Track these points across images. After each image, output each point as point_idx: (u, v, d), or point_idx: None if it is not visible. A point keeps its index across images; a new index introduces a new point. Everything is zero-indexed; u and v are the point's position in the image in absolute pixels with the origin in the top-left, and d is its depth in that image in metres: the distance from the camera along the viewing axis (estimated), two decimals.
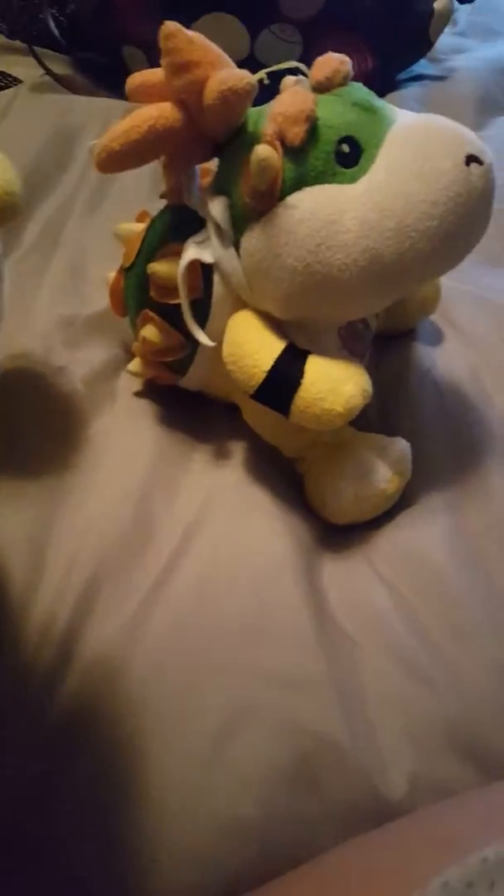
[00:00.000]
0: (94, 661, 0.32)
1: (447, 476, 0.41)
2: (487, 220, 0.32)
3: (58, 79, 0.75)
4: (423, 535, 0.38)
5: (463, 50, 0.87)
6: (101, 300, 0.46)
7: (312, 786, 0.30)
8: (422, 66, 0.81)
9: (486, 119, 0.70)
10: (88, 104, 0.69)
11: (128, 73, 0.36)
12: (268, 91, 0.36)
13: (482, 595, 0.35)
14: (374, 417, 0.44)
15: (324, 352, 0.36)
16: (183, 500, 0.39)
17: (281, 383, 0.34)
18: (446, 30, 0.78)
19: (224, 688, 0.31)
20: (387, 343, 0.48)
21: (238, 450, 0.42)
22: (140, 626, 0.33)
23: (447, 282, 0.49)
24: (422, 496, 0.40)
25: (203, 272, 0.37)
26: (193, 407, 0.43)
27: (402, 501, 0.40)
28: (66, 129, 0.64)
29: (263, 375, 0.34)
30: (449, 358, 0.47)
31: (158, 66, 0.33)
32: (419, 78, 0.79)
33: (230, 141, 0.34)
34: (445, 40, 0.84)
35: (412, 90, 0.77)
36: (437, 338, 0.48)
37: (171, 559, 0.36)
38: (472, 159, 0.31)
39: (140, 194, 0.56)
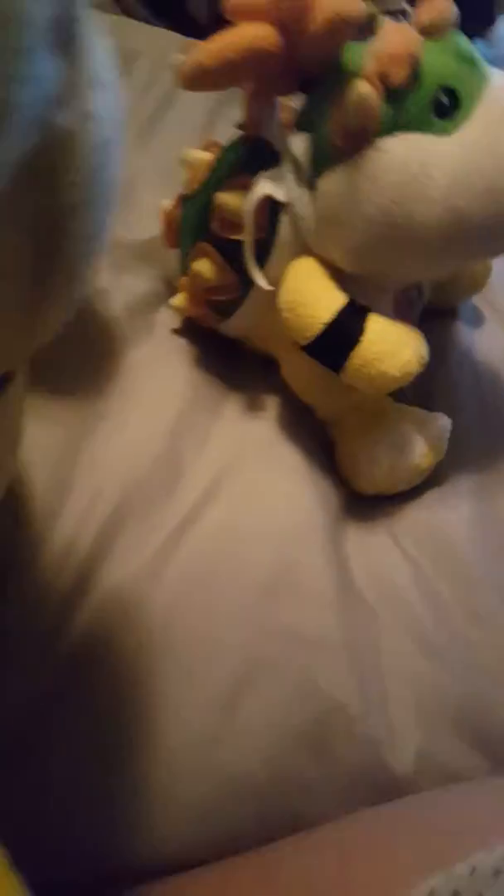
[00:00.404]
0: (113, 594, 0.31)
1: (477, 460, 0.40)
2: None
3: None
4: (449, 516, 0.37)
5: None
6: (148, 228, 0.44)
7: (321, 749, 0.29)
8: (477, 46, 0.78)
9: None
10: (146, 31, 0.66)
11: (184, 10, 0.34)
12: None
13: (502, 582, 0.35)
14: (410, 392, 0.43)
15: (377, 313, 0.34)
16: (213, 446, 0.37)
17: (339, 338, 0.33)
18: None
19: (245, 638, 0.31)
20: (427, 319, 0.46)
21: (271, 405, 0.40)
22: (163, 565, 0.32)
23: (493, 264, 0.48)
24: (450, 476, 0.39)
25: (272, 213, 0.35)
26: (229, 355, 0.42)
27: (428, 479, 0.39)
28: (122, 52, 0.61)
29: (321, 327, 0.33)
30: (488, 342, 0.46)
31: (220, 8, 0.31)
32: None
33: (322, 75, 0.32)
34: (500, 27, 0.81)
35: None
36: (477, 320, 0.47)
37: (199, 502, 0.35)
38: None
39: (196, 127, 0.53)
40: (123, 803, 0.28)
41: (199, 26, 0.77)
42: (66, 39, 0.16)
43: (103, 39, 0.19)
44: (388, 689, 0.31)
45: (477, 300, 0.49)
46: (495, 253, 0.34)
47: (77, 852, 0.28)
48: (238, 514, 0.35)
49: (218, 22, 0.33)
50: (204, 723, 0.29)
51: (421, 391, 0.44)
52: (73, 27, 0.16)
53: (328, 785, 0.29)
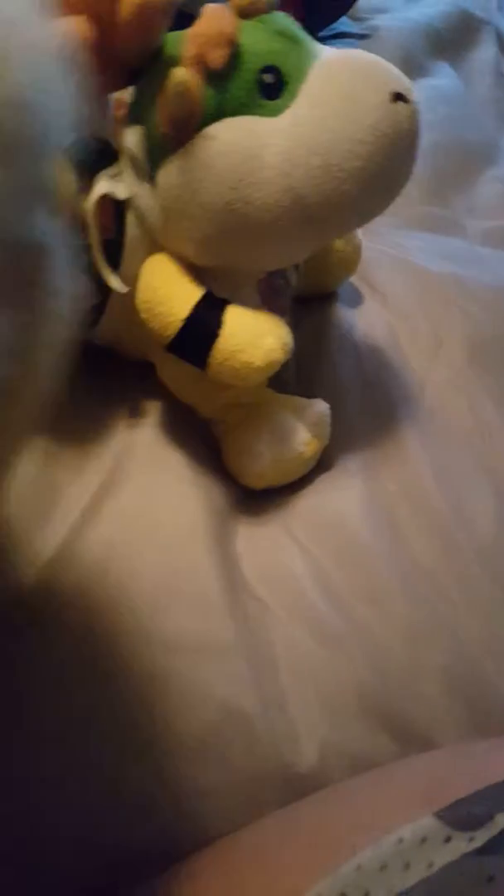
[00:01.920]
0: None
1: (364, 439, 0.40)
2: (413, 162, 0.31)
3: None
4: (338, 499, 0.37)
5: (386, 10, 0.86)
6: None
7: (219, 757, 0.28)
8: (343, 24, 0.79)
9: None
10: None
11: None
12: (189, 20, 0.34)
13: (395, 558, 0.35)
14: (292, 379, 0.43)
15: (243, 306, 0.34)
16: (91, 463, 0.36)
17: (198, 333, 0.32)
18: None
19: (131, 655, 0.29)
20: (306, 304, 0.46)
21: (152, 410, 0.39)
22: (43, 594, 0.30)
23: (367, 243, 0.48)
24: (339, 459, 0.39)
25: (116, 212, 0.34)
26: (104, 363, 0.41)
27: (320, 464, 0.38)
28: None
29: (180, 324, 0.32)
30: (368, 320, 0.46)
31: None
32: (341, 36, 0.77)
33: (147, 67, 0.31)
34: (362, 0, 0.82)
35: (333, 48, 0.74)
36: (356, 300, 0.47)
37: (77, 525, 0.33)
38: (398, 97, 0.29)
39: None
40: (14, 853, 0.26)
41: None
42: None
43: None
44: (286, 684, 0.30)
45: (355, 281, 0.49)
46: (341, 232, 0.34)
47: None
48: (120, 529, 0.33)
49: None
50: (95, 745, 0.27)
51: (303, 378, 0.43)
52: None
53: (231, 793, 0.27)
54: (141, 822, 0.27)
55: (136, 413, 0.39)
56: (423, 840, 0.19)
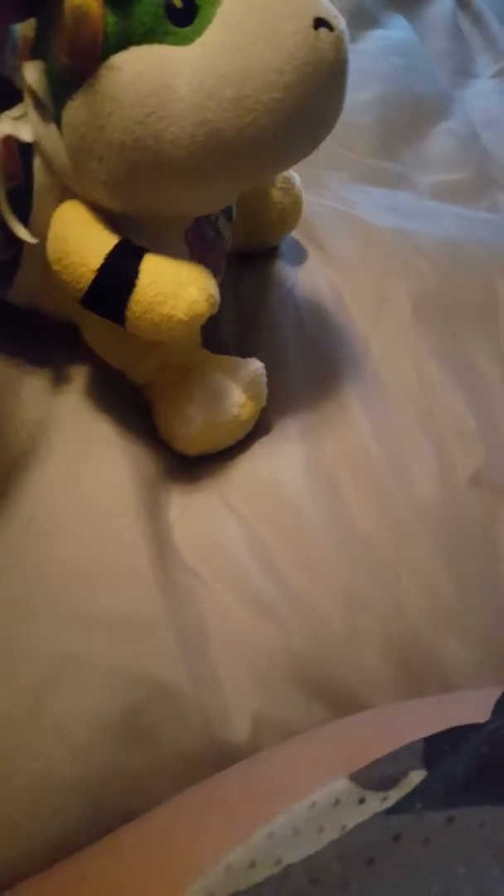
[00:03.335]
0: None
1: (305, 402, 0.38)
2: (340, 97, 0.29)
3: None
4: (276, 464, 0.35)
5: None
6: None
7: (145, 736, 0.26)
8: None
9: (360, 31, 0.67)
10: None
11: None
12: None
13: (334, 525, 0.33)
14: (231, 339, 0.41)
15: (170, 258, 0.31)
16: (9, 434, 0.34)
17: (113, 284, 0.30)
18: None
19: (48, 636, 0.28)
20: (247, 261, 0.44)
21: (79, 376, 0.37)
22: None
23: (312, 198, 0.46)
24: (278, 423, 0.37)
25: (23, 157, 0.31)
26: (26, 327, 0.38)
27: (259, 428, 0.37)
28: None
29: (92, 275, 0.30)
30: (311, 277, 0.44)
31: None
32: None
33: None
34: None
35: None
36: (299, 256, 0.45)
37: None
38: (320, 23, 0.27)
39: None
40: None
41: None
42: None
43: None
44: (218, 657, 0.28)
45: (300, 237, 0.47)
46: (265, 172, 0.31)
47: None
48: (40, 503, 0.31)
49: None
50: (6, 732, 0.26)
51: (243, 337, 0.41)
52: None
53: (159, 771, 0.26)
54: (50, 810, 0.25)
55: (60, 380, 0.37)
56: (337, 803, 0.18)
